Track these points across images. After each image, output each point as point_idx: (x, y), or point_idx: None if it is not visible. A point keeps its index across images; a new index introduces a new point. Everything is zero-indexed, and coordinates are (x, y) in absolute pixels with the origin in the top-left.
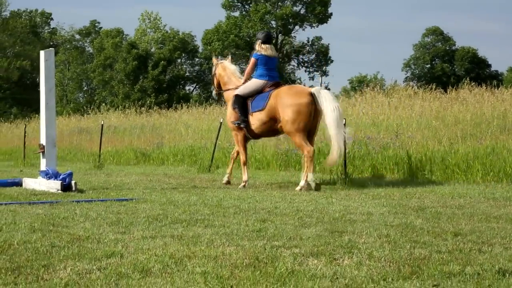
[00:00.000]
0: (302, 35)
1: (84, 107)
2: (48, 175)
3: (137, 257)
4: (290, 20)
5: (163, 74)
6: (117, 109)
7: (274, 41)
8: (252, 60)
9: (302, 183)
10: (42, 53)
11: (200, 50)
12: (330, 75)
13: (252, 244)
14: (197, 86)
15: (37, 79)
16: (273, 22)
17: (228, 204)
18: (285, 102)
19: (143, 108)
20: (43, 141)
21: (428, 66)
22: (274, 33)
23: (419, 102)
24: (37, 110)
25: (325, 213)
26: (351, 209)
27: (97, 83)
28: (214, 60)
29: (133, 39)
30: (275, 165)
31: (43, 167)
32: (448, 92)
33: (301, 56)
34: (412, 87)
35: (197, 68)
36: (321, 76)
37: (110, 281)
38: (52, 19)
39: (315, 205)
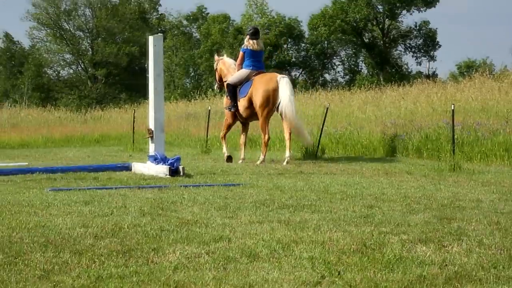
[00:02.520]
0: (409, 19)
1: (191, 92)
2: (157, 160)
3: (245, 241)
4: (397, 4)
5: (269, 59)
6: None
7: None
8: (240, 53)
9: (261, 157)
10: (150, 38)
11: (306, 35)
12: (438, 60)
13: (359, 230)
14: (303, 72)
15: (145, 65)
16: (379, 7)
17: (335, 189)
18: (257, 88)
19: None
20: (151, 126)
21: None
22: (381, 18)
23: None
24: (145, 96)
25: (433, 200)
26: (459, 196)
27: (204, 69)
28: (215, 57)
29: (239, 25)
30: (381, 151)
31: (151, 152)
32: None
33: (408, 41)
34: None
35: (303, 53)
36: (428, 61)
37: (219, 265)
38: (160, 5)
39: (423, 192)
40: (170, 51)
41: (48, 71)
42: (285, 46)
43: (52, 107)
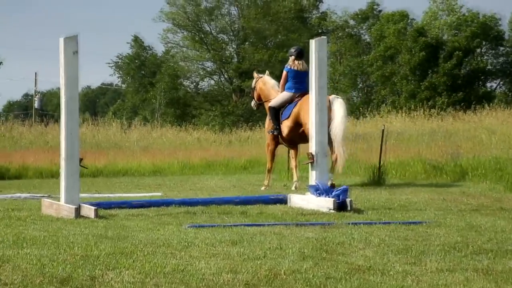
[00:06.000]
0: None
1: (360, 108)
2: (318, 191)
3: None
4: None
5: (458, 67)
6: (400, 111)
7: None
8: (284, 72)
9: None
10: (312, 42)
11: (506, 36)
12: None
13: None
14: (502, 82)
15: None
16: None
17: None
18: (307, 108)
19: (433, 110)
20: (312, 149)
21: None
22: None
23: None
24: None
25: None
26: None
27: (375, 79)
28: (255, 74)
29: (421, 25)
30: None
31: (312, 181)
32: None
33: None
34: None
35: (502, 59)
36: None
37: None
38: (322, 1)
39: None
40: (334, 57)
41: (185, 83)
42: (479, 50)
43: (190, 126)
